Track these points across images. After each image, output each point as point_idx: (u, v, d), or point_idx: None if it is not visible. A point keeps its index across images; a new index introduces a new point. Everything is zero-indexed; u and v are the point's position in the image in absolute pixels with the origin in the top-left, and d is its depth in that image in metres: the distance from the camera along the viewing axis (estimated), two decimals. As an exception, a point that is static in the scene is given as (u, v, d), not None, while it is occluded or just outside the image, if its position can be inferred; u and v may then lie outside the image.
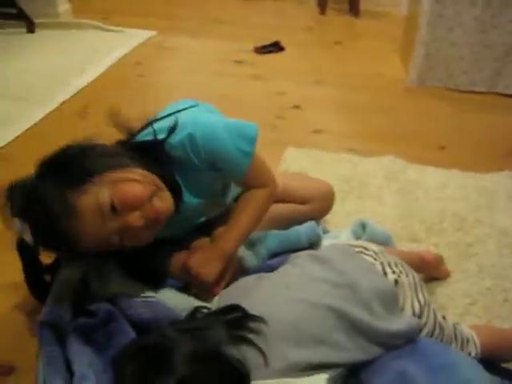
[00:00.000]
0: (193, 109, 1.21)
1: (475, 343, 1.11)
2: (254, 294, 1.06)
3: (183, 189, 1.19)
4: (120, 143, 1.17)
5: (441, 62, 2.55)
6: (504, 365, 1.14)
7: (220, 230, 1.24)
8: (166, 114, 1.20)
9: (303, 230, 1.36)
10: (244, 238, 1.23)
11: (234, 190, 1.35)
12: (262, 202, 1.23)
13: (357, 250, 1.13)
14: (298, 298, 1.01)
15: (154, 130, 1.15)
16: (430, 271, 1.37)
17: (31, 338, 1.16)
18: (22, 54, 2.87)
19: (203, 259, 1.19)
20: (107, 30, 3.22)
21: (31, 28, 3.17)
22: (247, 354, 0.92)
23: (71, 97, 2.35)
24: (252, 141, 1.16)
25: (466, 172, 1.84)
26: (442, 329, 1.09)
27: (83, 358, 1.07)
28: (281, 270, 1.16)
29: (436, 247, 1.49)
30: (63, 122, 2.15)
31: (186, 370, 0.86)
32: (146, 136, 1.17)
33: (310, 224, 1.38)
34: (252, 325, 0.96)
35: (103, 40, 3.07)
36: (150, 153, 1.13)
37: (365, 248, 1.14)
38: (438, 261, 1.36)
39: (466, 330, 1.14)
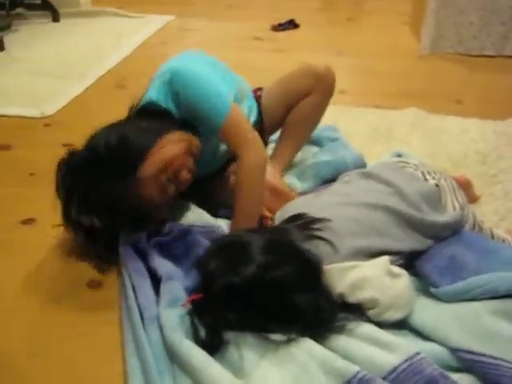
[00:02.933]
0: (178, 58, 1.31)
1: (510, 244, 1.25)
2: (315, 204, 1.19)
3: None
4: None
5: (451, 29, 2.70)
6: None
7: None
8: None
9: (350, 159, 1.50)
10: (254, 216, 1.28)
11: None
12: (252, 179, 1.27)
13: (399, 164, 1.28)
14: (358, 201, 1.15)
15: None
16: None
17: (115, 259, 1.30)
18: (53, 38, 3.03)
19: None
20: (128, 17, 3.38)
21: (56, 17, 3.33)
22: (318, 246, 1.05)
23: (107, 72, 2.51)
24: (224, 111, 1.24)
25: (485, 120, 1.98)
26: (480, 229, 1.23)
27: (166, 265, 1.21)
28: (334, 186, 1.30)
29: (464, 178, 1.61)
30: (103, 92, 2.30)
31: (264, 259, 0.99)
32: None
33: (356, 153, 1.52)
34: (318, 225, 1.09)
35: (126, 25, 3.22)
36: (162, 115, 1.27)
37: (406, 162, 1.28)
38: (469, 184, 1.50)
39: (501, 233, 1.28)
